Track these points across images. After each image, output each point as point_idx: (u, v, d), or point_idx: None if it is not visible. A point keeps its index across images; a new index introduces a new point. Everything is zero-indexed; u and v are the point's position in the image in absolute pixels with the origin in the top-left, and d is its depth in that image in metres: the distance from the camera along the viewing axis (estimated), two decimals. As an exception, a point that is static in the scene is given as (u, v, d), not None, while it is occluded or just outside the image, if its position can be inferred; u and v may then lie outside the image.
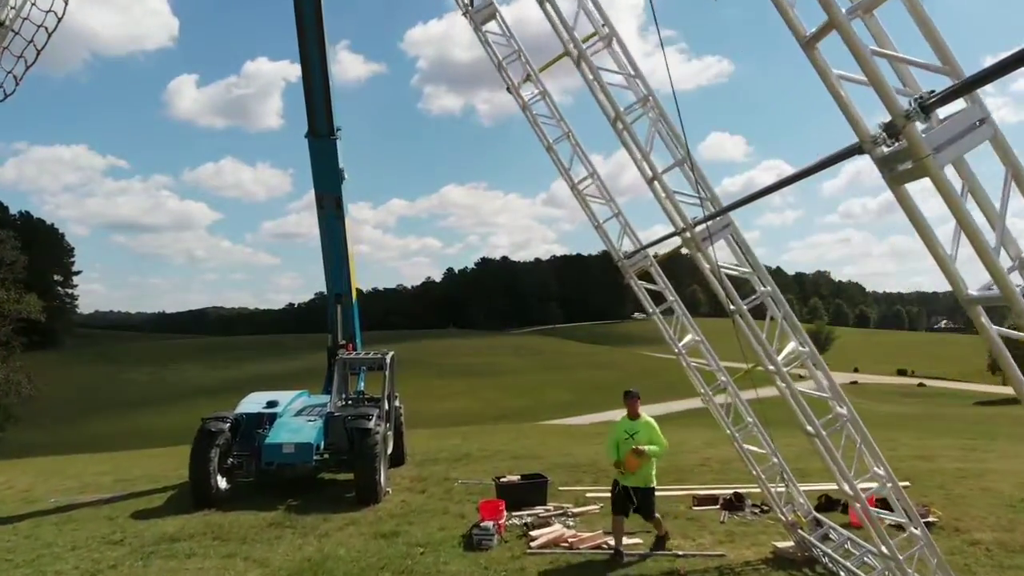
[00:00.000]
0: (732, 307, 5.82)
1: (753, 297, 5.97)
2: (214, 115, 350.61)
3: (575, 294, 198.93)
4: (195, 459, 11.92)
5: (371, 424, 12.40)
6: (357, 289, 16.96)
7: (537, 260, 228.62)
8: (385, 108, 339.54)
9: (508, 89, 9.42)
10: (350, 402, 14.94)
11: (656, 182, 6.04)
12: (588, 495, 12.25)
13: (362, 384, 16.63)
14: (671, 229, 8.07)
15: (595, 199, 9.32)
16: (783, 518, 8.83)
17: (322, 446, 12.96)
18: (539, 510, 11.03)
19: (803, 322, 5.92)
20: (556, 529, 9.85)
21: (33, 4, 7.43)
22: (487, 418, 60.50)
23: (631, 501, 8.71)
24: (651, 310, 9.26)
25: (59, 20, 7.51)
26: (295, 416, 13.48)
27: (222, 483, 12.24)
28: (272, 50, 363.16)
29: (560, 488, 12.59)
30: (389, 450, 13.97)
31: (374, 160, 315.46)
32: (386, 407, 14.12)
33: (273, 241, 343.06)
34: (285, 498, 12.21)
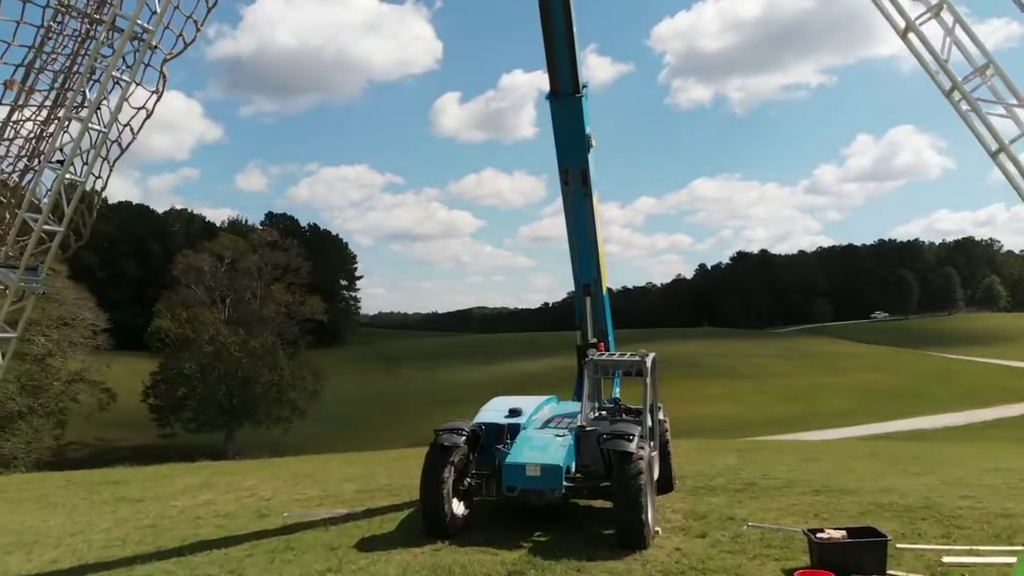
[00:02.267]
0: None
1: None
2: (474, 129, 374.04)
3: (845, 289, 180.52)
4: (427, 481, 10.05)
5: (632, 447, 9.71)
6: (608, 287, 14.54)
7: (801, 252, 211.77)
8: (633, 107, 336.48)
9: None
10: (604, 413, 12.42)
11: None
12: (944, 559, 8.47)
13: (617, 390, 14.10)
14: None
15: (992, 108, 5.71)
16: None
17: (573, 468, 10.57)
18: (882, 587, 7.56)
19: None
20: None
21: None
22: (753, 425, 55.40)
23: None
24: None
25: None
26: (540, 429, 11.23)
27: (459, 508, 10.32)
28: (526, 61, 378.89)
29: (897, 546, 8.88)
30: (655, 476, 11.17)
31: (623, 160, 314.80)
32: (648, 423, 11.34)
33: (529, 244, 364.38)
34: (532, 530, 9.95)
